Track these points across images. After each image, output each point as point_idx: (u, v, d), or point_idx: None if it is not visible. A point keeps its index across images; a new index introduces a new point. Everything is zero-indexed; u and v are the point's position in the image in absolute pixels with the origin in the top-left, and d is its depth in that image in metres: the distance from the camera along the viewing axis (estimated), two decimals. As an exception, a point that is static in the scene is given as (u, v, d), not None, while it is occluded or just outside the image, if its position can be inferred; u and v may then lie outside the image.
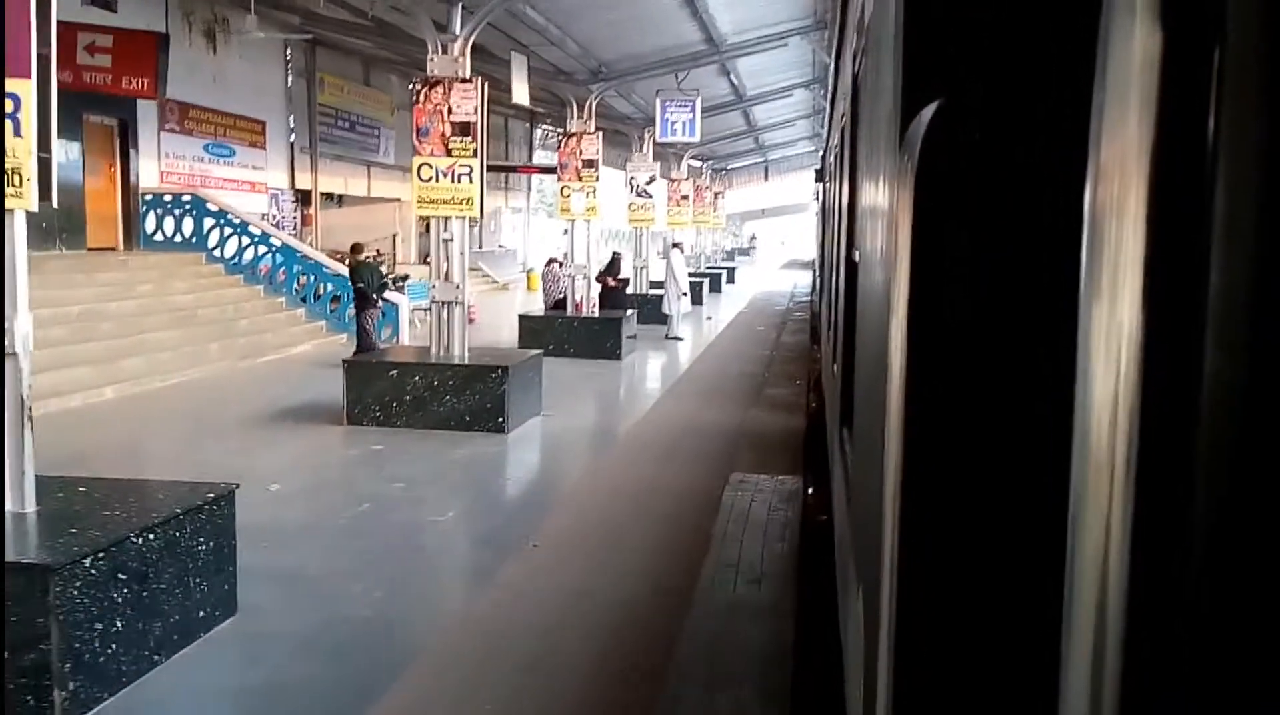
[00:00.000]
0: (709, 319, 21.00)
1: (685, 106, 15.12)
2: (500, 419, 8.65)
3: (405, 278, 19.09)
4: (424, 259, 26.46)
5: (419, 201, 9.17)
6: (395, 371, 8.75)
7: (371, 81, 22.97)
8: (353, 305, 13.09)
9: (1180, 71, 0.38)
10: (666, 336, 17.27)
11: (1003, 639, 0.91)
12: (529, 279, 28.90)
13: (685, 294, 17.09)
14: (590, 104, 14.07)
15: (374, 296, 12.84)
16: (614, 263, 15.64)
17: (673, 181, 24.60)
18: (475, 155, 9.03)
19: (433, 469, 7.46)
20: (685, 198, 24.59)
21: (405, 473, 7.29)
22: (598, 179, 14.11)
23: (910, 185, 1.02)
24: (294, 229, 20.00)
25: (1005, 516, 0.91)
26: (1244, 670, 0.35)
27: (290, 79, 19.74)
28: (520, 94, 12.29)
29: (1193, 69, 0.37)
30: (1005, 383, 0.91)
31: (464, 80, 9.03)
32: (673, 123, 15.14)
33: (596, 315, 14.28)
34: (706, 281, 25.07)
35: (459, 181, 9.04)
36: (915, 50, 1.14)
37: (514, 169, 24.63)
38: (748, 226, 67.31)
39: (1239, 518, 0.35)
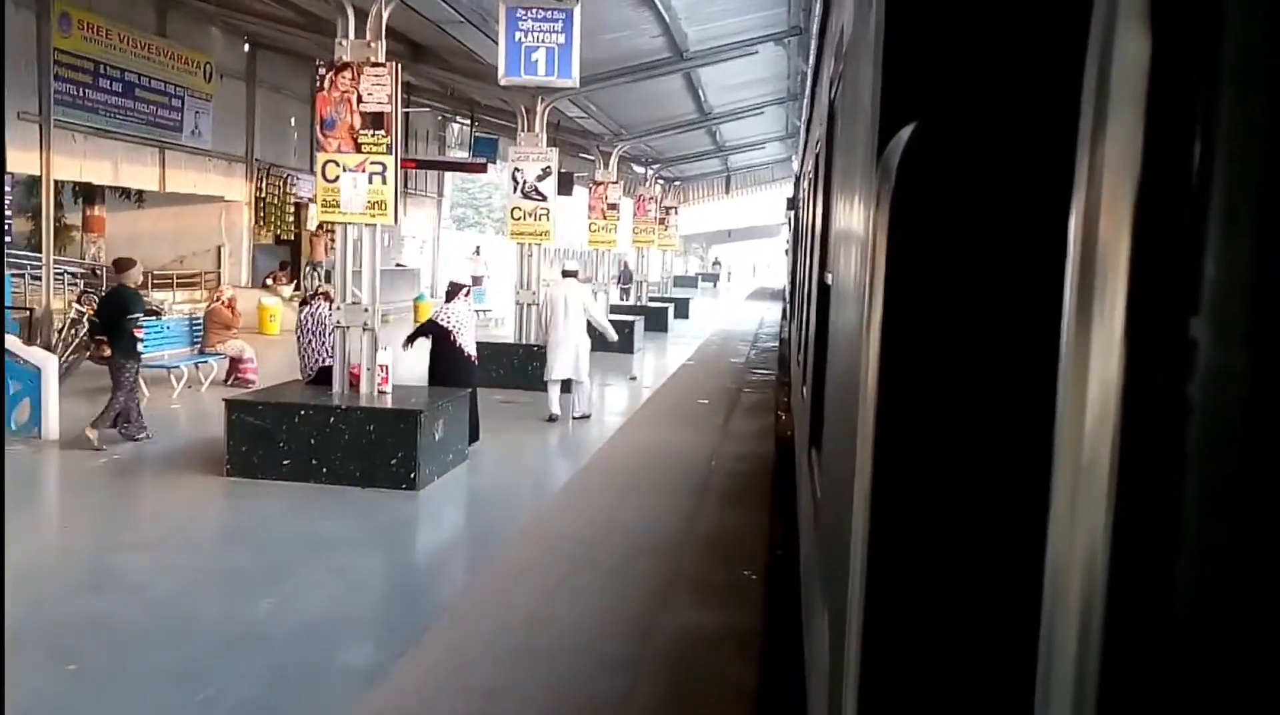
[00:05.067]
0: (632, 380, 14.50)
1: (553, 23, 8.58)
2: None
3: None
4: (264, 283, 19.83)
5: None
6: None
7: (171, 31, 16.36)
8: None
9: (1170, 77, 0.37)
10: (548, 417, 10.77)
11: (971, 663, 0.91)
12: (417, 309, 22.26)
13: (573, 357, 10.58)
14: (379, 10, 7.58)
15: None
16: (453, 286, 9.07)
17: (596, 185, 18.15)
18: None
19: None
20: (614, 207, 18.13)
21: None
22: (389, 149, 7.61)
23: (887, 206, 1.02)
24: (6, 232, 13.18)
25: (976, 540, 0.91)
26: (1227, 692, 0.34)
27: (6, 7, 13.08)
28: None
29: (1182, 74, 0.36)
30: (979, 404, 0.92)
31: None
32: (529, 48, 8.62)
33: (385, 403, 7.68)
34: (641, 320, 18.58)
35: None
36: (894, 73, 1.16)
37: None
38: (714, 250, 61.14)
39: (1225, 555, 0.34)
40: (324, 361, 8.17)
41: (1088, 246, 0.43)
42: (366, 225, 7.85)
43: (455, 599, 5.21)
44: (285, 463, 7.32)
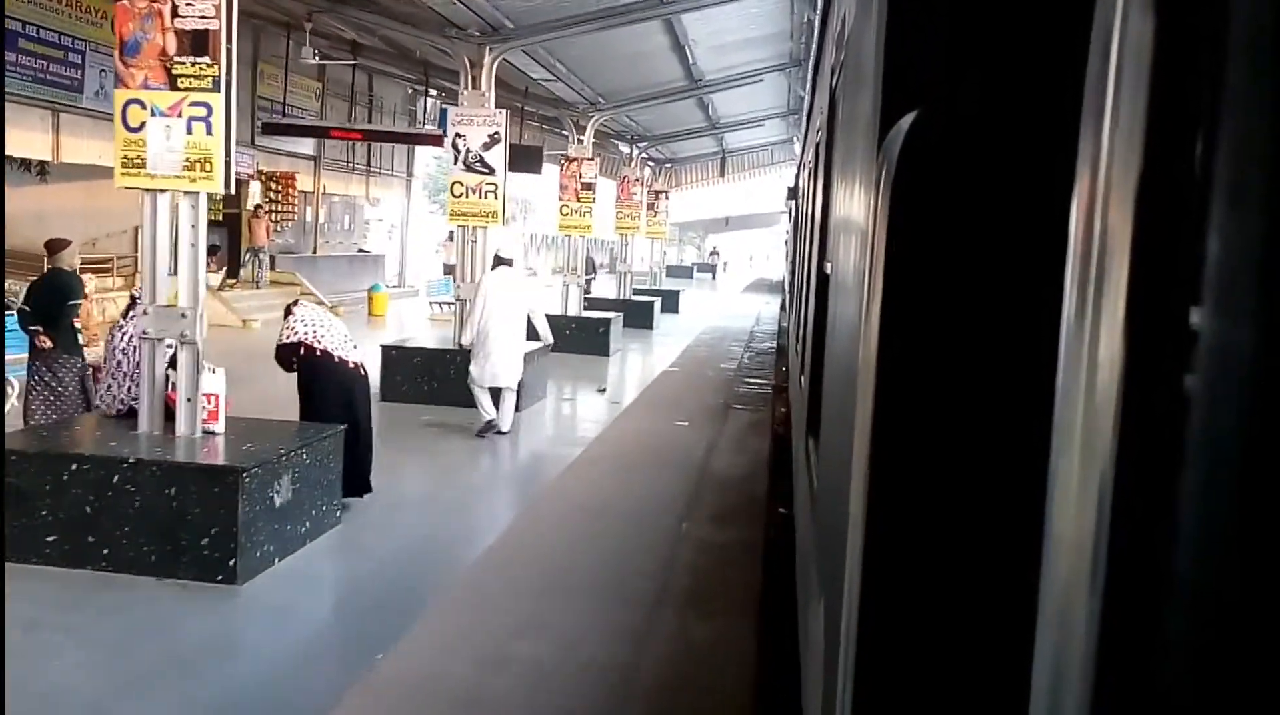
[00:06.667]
0: (600, 391, 12.17)
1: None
2: None
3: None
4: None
5: None
6: None
7: (67, -26, 13.95)
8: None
9: (1174, 60, 0.37)
10: (479, 433, 8.69)
11: (967, 651, 0.91)
12: (371, 300, 19.92)
13: (510, 361, 8.63)
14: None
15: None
16: (287, 308, 6.63)
17: (568, 162, 15.77)
18: None
19: None
20: (589, 188, 15.76)
21: None
22: (217, 84, 5.28)
23: (887, 194, 1.03)
24: None
25: (973, 528, 0.91)
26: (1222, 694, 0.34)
27: None
28: None
29: (1187, 57, 0.36)
30: (977, 392, 0.92)
31: None
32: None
33: (211, 451, 5.34)
34: (619, 317, 16.26)
35: None
36: (895, 61, 1.16)
37: (316, 132, 15.65)
38: (711, 239, 58.65)
39: (1222, 548, 0.34)
40: (130, 400, 5.82)
41: (1090, 234, 0.42)
42: (184, 193, 5.49)
43: None
44: (50, 540, 4.99)
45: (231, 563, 4.93)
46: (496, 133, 10.45)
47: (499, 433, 8.85)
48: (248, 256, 18.42)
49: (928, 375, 0.95)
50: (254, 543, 5.04)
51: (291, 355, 6.28)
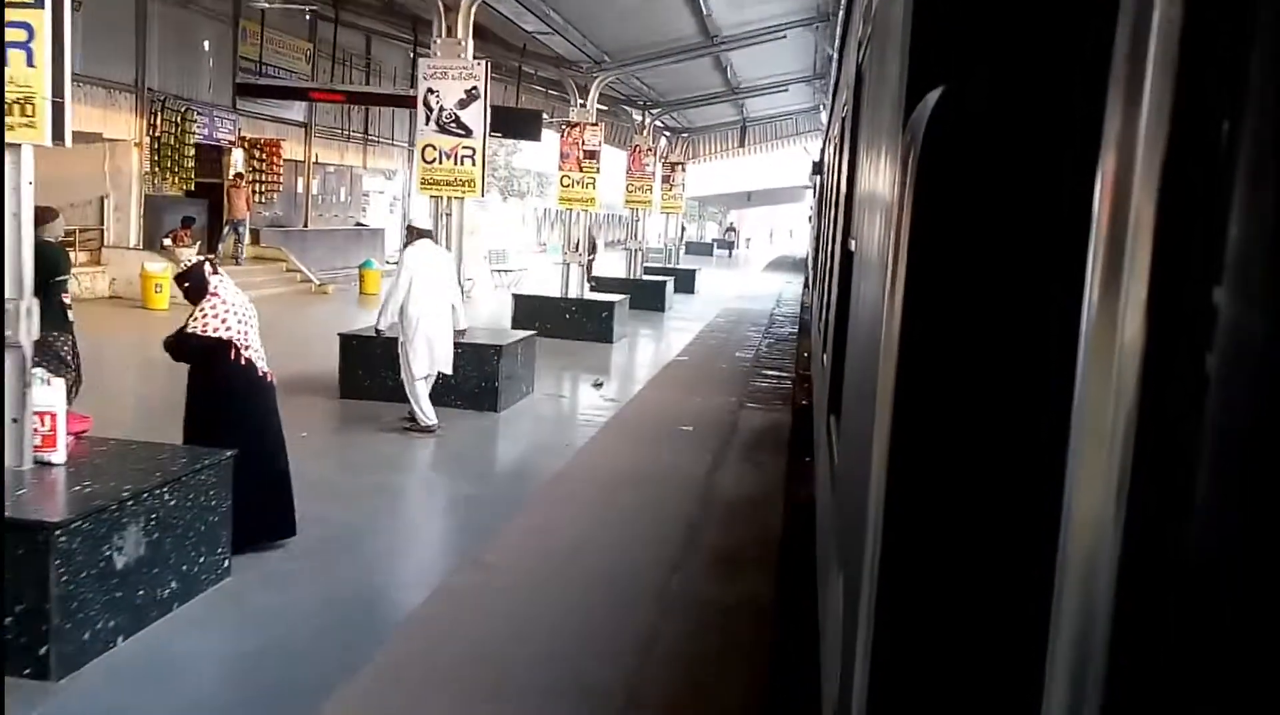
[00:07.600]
0: (597, 386, 10.78)
1: None
2: None
3: None
4: (160, 244, 16.14)
5: None
6: None
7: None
8: None
9: (1202, 42, 0.37)
10: (423, 427, 7.76)
11: (982, 629, 0.91)
12: (362, 277, 18.58)
13: (440, 347, 7.61)
14: None
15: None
16: (194, 274, 5.22)
17: (569, 127, 14.28)
18: None
19: None
20: (592, 156, 14.27)
21: None
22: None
23: (913, 170, 1.01)
24: None
25: (990, 508, 0.91)
26: (1230, 675, 0.34)
27: None
28: None
29: (1214, 39, 0.36)
30: (998, 371, 0.91)
31: None
32: None
33: (17, 509, 4.02)
34: (625, 299, 14.86)
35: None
36: (922, 36, 1.15)
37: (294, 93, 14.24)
38: (733, 215, 56.87)
39: (1234, 519, 0.34)
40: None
41: (1114, 213, 0.42)
42: (6, 145, 4.11)
43: None
44: None
45: (43, 651, 3.60)
46: (475, 87, 9.02)
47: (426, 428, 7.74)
48: (226, 229, 17.10)
49: (950, 352, 0.95)
50: (79, 621, 3.70)
51: (203, 351, 4.86)
